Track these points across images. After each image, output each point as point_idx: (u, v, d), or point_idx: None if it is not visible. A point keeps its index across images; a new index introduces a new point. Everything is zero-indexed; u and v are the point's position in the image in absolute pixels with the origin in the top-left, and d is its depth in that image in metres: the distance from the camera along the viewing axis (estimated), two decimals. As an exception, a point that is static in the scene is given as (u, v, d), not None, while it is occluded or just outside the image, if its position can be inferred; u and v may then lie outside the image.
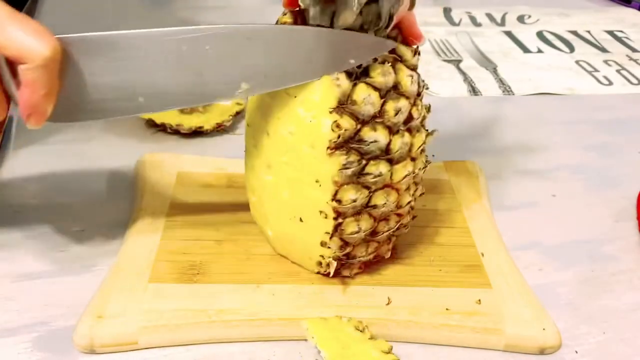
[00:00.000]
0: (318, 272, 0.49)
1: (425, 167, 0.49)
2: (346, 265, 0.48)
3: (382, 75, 0.43)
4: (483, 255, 0.53)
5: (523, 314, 0.47)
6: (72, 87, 0.40)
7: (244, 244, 0.52)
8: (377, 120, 0.43)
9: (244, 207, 0.54)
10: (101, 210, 0.56)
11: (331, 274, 0.47)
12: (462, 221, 0.57)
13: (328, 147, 0.42)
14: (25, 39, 0.37)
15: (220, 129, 0.69)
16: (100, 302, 0.46)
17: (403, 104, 0.43)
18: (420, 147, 0.46)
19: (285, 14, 0.45)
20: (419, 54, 0.46)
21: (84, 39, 0.39)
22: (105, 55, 0.40)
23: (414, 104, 0.45)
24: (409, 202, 0.47)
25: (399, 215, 0.47)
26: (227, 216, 0.55)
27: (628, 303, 0.51)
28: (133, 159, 0.62)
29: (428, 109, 0.48)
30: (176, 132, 0.68)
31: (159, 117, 0.68)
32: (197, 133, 0.68)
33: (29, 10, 1.01)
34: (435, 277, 0.50)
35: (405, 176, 0.45)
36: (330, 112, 0.42)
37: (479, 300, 0.48)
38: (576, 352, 0.46)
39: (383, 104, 0.43)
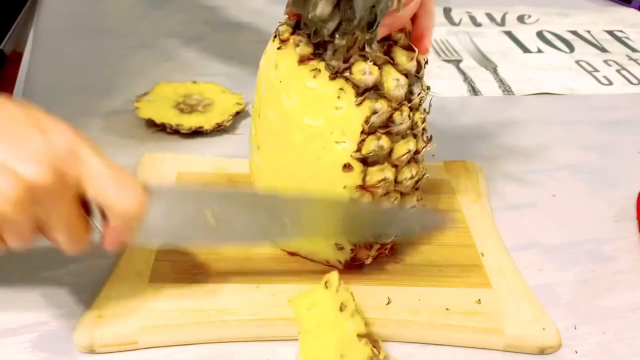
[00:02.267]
0: (328, 264, 0.50)
1: (421, 178, 0.49)
2: (366, 247, 0.48)
3: (361, 73, 0.43)
4: (483, 255, 0.53)
5: (523, 314, 0.47)
6: (158, 224, 0.42)
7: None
8: None
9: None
10: (101, 210, 0.56)
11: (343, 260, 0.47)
12: (462, 221, 0.57)
13: None
14: (114, 195, 0.38)
15: (220, 129, 0.69)
16: (100, 302, 0.46)
17: (381, 105, 0.43)
18: (404, 154, 0.45)
19: (284, 24, 0.46)
20: (427, 63, 0.46)
21: (172, 191, 0.44)
22: (192, 204, 0.43)
23: (397, 109, 0.44)
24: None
25: None
26: (227, 216, 0.55)
27: (628, 303, 0.51)
28: (133, 159, 0.62)
29: (426, 113, 0.48)
30: (176, 132, 0.68)
31: (159, 117, 0.68)
32: (197, 133, 0.68)
33: (29, 10, 1.01)
34: (435, 277, 0.50)
35: (381, 180, 0.45)
36: None
37: (479, 300, 0.48)
38: (576, 352, 0.46)
39: (360, 103, 0.43)
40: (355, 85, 0.43)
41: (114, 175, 0.38)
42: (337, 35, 0.42)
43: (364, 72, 0.43)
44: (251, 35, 0.94)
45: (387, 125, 0.44)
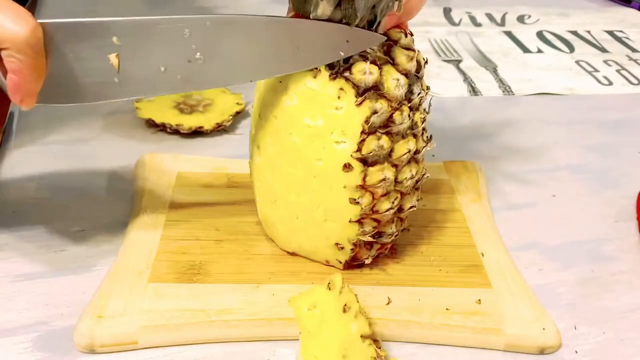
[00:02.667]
0: (328, 264, 0.50)
1: (422, 177, 0.49)
2: (366, 247, 0.48)
3: (361, 73, 0.43)
4: (483, 255, 0.53)
5: (523, 314, 0.47)
6: (58, 70, 0.40)
7: (244, 244, 0.52)
8: None
9: (244, 207, 0.54)
10: (101, 210, 0.56)
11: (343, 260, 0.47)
12: (462, 221, 0.57)
13: None
14: (4, 22, 0.37)
15: (220, 129, 0.69)
16: (100, 302, 0.46)
17: (381, 105, 0.43)
18: (404, 154, 0.45)
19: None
20: (427, 62, 0.46)
21: (67, 24, 0.40)
22: (87, 40, 0.41)
23: (397, 109, 0.44)
24: (388, 209, 0.47)
25: (376, 220, 0.47)
26: (227, 216, 0.55)
27: (628, 303, 0.51)
28: (133, 159, 0.62)
29: (426, 113, 0.48)
30: (176, 132, 0.68)
31: (159, 117, 0.68)
32: (197, 133, 0.68)
33: (28, 10, 1.01)
34: (435, 277, 0.50)
35: (381, 180, 0.45)
36: None
37: (479, 300, 0.48)
38: (576, 352, 0.46)
39: (360, 103, 0.43)
40: (355, 85, 0.43)
41: (4, 4, 0.37)
42: None
43: (364, 72, 0.43)
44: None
45: (387, 125, 0.44)
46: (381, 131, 0.44)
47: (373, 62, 0.43)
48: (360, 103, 0.43)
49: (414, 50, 0.45)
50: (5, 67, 0.39)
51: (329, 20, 0.42)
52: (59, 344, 0.44)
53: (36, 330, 0.45)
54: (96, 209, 0.56)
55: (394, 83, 0.44)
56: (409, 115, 0.45)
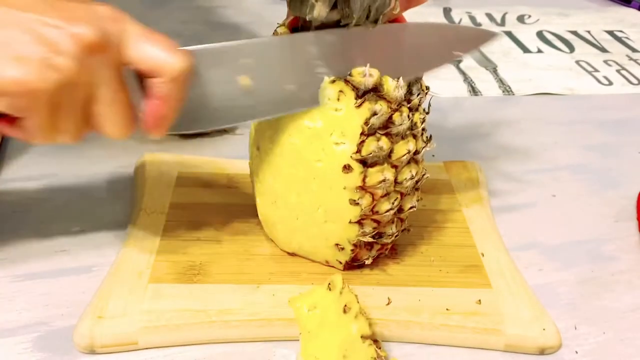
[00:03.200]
0: (328, 264, 0.50)
1: (421, 178, 0.49)
2: (366, 247, 0.48)
3: (361, 76, 0.43)
4: (483, 255, 0.53)
5: (523, 314, 0.47)
6: (193, 97, 0.42)
7: (244, 244, 0.52)
8: None
9: (244, 207, 0.54)
10: (101, 210, 0.56)
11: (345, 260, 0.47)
12: (462, 221, 0.57)
13: None
14: (160, 54, 0.39)
15: (220, 130, 0.69)
16: (100, 302, 0.46)
17: (381, 107, 0.43)
18: (404, 155, 0.45)
19: (282, 25, 0.46)
20: None
21: (209, 50, 0.42)
22: (226, 64, 0.42)
23: (396, 110, 0.44)
24: (388, 210, 0.47)
25: (376, 221, 0.47)
26: (227, 216, 0.55)
27: (628, 303, 0.51)
28: (133, 159, 0.62)
29: (425, 113, 0.48)
30: (176, 132, 0.68)
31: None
32: (197, 133, 0.68)
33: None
34: (435, 277, 0.50)
35: (381, 181, 0.45)
36: None
37: (479, 300, 0.48)
38: (576, 352, 0.46)
39: (360, 105, 0.43)
40: (355, 88, 0.43)
41: (157, 36, 0.40)
42: None
43: (364, 74, 0.43)
44: (250, 35, 0.94)
45: (386, 126, 0.44)
46: (381, 132, 0.44)
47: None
48: (360, 105, 0.43)
49: None
50: (147, 93, 0.40)
51: (323, 24, 0.42)
52: (59, 344, 0.44)
53: (36, 330, 0.45)
54: (96, 209, 0.56)
55: (394, 84, 0.44)
56: (408, 116, 0.45)
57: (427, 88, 0.47)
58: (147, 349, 0.44)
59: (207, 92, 0.42)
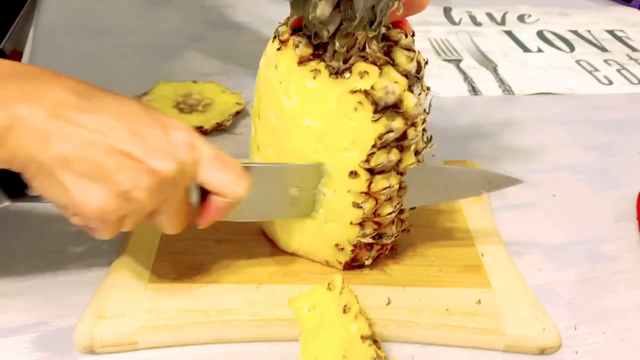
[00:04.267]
0: (328, 264, 0.50)
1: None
2: (366, 248, 0.48)
3: (383, 91, 0.43)
4: (483, 255, 0.53)
5: (523, 314, 0.47)
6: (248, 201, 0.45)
7: (244, 244, 0.52)
8: None
9: (244, 207, 0.54)
10: (101, 210, 0.56)
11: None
12: (462, 221, 0.57)
13: None
14: (227, 181, 0.43)
15: (220, 129, 0.69)
16: (100, 302, 0.46)
17: (398, 125, 0.43)
18: (412, 164, 0.46)
19: (284, 24, 0.46)
20: (427, 63, 0.46)
21: (262, 169, 0.46)
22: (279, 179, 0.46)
23: (412, 125, 0.44)
24: (389, 213, 0.47)
25: (377, 223, 0.47)
26: (227, 216, 0.55)
27: (628, 303, 0.51)
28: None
29: (426, 114, 0.48)
30: (176, 131, 0.67)
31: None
32: (197, 133, 0.68)
33: (28, 9, 1.01)
34: (435, 277, 0.50)
35: (385, 188, 0.45)
36: None
37: (479, 300, 0.48)
38: (576, 352, 0.46)
39: (377, 120, 0.43)
40: (374, 102, 0.43)
41: (225, 163, 0.43)
42: (337, 37, 0.42)
43: (387, 90, 0.42)
44: (251, 35, 0.94)
45: (399, 139, 0.44)
46: (392, 145, 0.44)
47: (373, 63, 0.43)
48: (377, 120, 0.43)
49: (414, 51, 0.45)
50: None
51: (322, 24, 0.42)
52: (59, 344, 0.44)
53: (36, 330, 0.45)
54: (96, 209, 0.56)
55: (414, 102, 0.43)
56: (423, 129, 0.45)
57: (428, 88, 0.47)
58: (146, 349, 0.44)
59: (261, 199, 0.46)
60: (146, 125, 0.41)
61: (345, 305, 0.44)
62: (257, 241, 0.52)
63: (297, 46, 0.44)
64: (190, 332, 0.45)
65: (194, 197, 0.43)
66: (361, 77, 0.43)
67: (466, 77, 0.86)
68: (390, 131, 0.43)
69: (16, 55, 0.91)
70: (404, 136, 0.44)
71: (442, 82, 0.85)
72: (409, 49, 0.45)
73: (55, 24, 0.94)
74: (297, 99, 0.44)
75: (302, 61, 0.44)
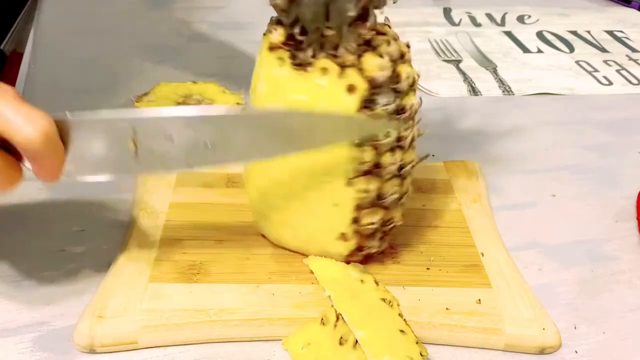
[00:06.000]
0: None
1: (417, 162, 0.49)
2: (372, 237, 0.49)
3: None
4: (483, 255, 0.53)
5: (523, 314, 0.47)
6: (79, 154, 0.42)
7: (244, 244, 0.52)
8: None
9: (244, 207, 0.54)
10: (101, 210, 0.56)
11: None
12: (462, 221, 0.57)
13: None
14: (13, 126, 0.39)
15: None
16: (100, 301, 0.46)
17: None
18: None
19: (272, 32, 0.46)
20: (419, 77, 0.47)
21: (84, 121, 0.42)
22: (106, 133, 0.42)
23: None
24: (370, 224, 0.47)
25: (384, 207, 0.47)
26: (227, 216, 0.55)
27: (628, 303, 0.51)
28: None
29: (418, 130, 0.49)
30: (176, 132, 0.68)
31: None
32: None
33: (29, 10, 1.01)
34: (435, 277, 0.50)
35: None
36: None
37: (479, 300, 0.48)
38: (576, 352, 0.46)
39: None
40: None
41: (14, 106, 0.39)
42: (304, 30, 0.43)
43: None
44: (250, 35, 0.93)
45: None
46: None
47: (340, 63, 0.43)
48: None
49: (394, 61, 0.44)
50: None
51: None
52: (59, 344, 0.44)
53: (36, 330, 0.45)
54: (96, 209, 0.56)
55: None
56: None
57: (420, 103, 0.47)
58: (147, 348, 0.44)
59: (94, 152, 0.42)
60: None
61: (341, 337, 0.43)
62: (257, 241, 0.52)
63: (270, 32, 0.44)
64: (190, 331, 0.45)
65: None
66: (322, 74, 0.43)
67: (466, 78, 0.86)
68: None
69: (16, 56, 0.91)
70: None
71: (441, 82, 0.85)
72: (392, 57, 0.44)
73: (55, 24, 0.94)
74: (265, 85, 0.45)
75: (272, 47, 0.44)
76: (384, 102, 0.44)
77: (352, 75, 0.43)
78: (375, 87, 0.43)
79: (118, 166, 0.43)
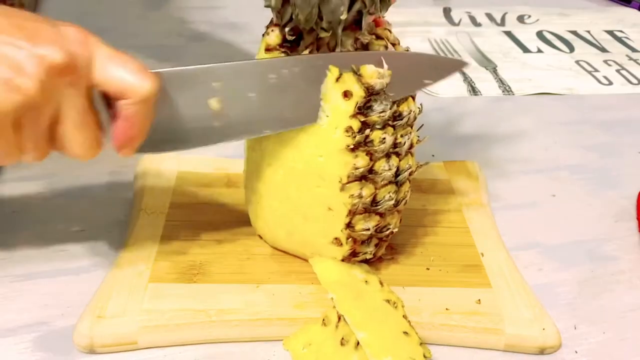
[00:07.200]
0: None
1: (419, 167, 0.49)
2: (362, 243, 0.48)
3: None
4: (483, 255, 0.53)
5: (523, 314, 0.47)
6: (163, 119, 0.42)
7: (244, 244, 0.52)
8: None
9: (244, 207, 0.54)
10: (101, 210, 0.56)
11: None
12: (462, 221, 0.57)
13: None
14: (128, 77, 0.39)
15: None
16: (100, 302, 0.46)
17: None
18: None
19: (269, 33, 0.46)
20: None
21: (178, 74, 0.41)
22: (195, 87, 0.42)
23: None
24: (365, 230, 0.47)
25: (379, 214, 0.47)
26: (227, 216, 0.55)
27: (628, 303, 0.51)
28: (133, 159, 0.62)
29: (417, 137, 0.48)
30: (176, 132, 0.67)
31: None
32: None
33: (29, 10, 1.01)
34: (435, 277, 0.50)
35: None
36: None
37: (479, 300, 0.48)
38: (576, 352, 0.46)
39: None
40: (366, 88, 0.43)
41: (124, 58, 0.39)
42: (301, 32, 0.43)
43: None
44: (250, 36, 0.93)
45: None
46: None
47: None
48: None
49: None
50: (114, 113, 0.40)
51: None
52: (59, 344, 0.44)
53: (36, 330, 0.45)
54: (96, 209, 0.56)
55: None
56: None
57: (420, 110, 0.47)
58: (147, 348, 0.44)
59: (177, 114, 0.42)
60: (33, 21, 0.38)
61: (343, 338, 0.43)
62: (257, 241, 0.52)
63: (268, 34, 0.44)
64: (190, 331, 0.45)
65: (98, 103, 0.40)
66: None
67: (466, 78, 0.86)
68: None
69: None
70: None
71: (441, 82, 0.84)
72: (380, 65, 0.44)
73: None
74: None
75: (268, 49, 0.45)
76: (380, 109, 0.44)
77: (350, 81, 0.43)
78: (372, 94, 0.43)
79: (198, 133, 0.43)
